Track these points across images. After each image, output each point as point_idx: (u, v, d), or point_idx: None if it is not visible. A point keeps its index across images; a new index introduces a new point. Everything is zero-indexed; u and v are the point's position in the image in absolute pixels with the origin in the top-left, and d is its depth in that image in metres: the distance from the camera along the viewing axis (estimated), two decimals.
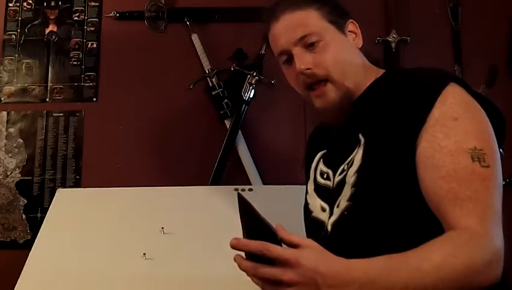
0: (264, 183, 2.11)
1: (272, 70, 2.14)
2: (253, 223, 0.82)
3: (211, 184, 2.06)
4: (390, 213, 0.96)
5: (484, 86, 2.15)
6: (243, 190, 1.75)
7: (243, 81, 2.17)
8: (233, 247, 0.80)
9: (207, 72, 2.20)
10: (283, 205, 1.49)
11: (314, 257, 0.79)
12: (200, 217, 1.64)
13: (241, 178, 2.12)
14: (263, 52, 2.15)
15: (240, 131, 2.15)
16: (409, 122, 0.95)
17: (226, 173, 2.11)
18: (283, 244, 0.82)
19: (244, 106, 2.15)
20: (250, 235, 0.81)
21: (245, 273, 0.83)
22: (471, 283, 0.81)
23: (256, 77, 2.16)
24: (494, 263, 0.83)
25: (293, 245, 0.81)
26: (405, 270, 0.80)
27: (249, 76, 2.17)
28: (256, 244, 0.78)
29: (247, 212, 0.82)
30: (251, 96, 2.16)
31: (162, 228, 1.58)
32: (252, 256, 0.80)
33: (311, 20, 1.08)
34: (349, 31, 1.13)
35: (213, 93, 2.18)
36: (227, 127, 2.15)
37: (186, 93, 2.20)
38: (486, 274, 0.82)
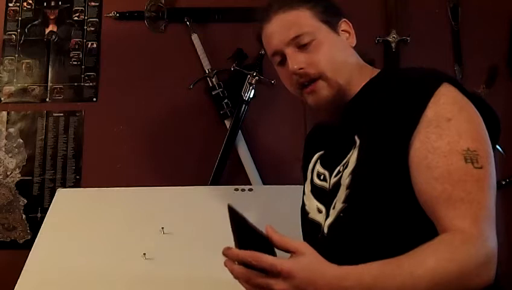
0: (264, 183, 2.11)
1: (272, 70, 2.10)
2: (245, 233, 0.81)
3: (211, 184, 2.06)
4: (385, 215, 0.95)
5: (484, 86, 2.15)
6: (243, 189, 1.75)
7: (243, 81, 2.17)
8: (224, 255, 0.80)
9: (207, 72, 2.20)
10: (283, 205, 1.49)
11: (307, 266, 0.79)
12: (200, 217, 1.64)
13: (241, 178, 2.12)
14: (263, 52, 2.13)
15: (239, 131, 2.15)
16: (402, 123, 0.95)
17: (226, 173, 2.11)
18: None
19: (244, 106, 2.15)
20: (242, 244, 0.81)
21: None
22: (465, 286, 0.82)
23: (256, 77, 2.16)
24: (488, 264, 0.83)
25: (286, 250, 0.81)
26: (399, 276, 0.80)
27: (249, 76, 2.16)
28: (246, 255, 0.78)
29: (238, 222, 0.82)
30: (251, 96, 2.16)
31: (162, 228, 1.57)
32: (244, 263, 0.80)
33: (304, 20, 1.08)
34: (343, 30, 1.13)
35: (213, 93, 2.18)
36: (227, 127, 2.15)
37: (186, 93, 2.20)
38: (480, 276, 0.82)
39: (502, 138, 1.03)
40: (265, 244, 0.81)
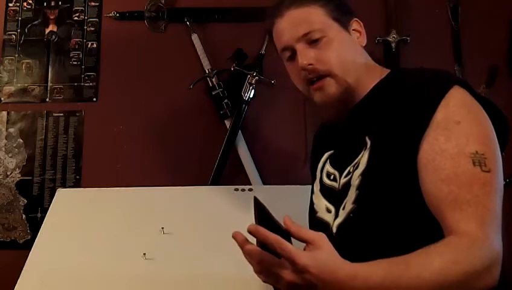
0: (264, 183, 2.11)
1: (272, 70, 2.14)
2: (266, 223, 0.83)
3: (211, 184, 2.06)
4: (395, 217, 0.96)
5: (484, 86, 2.15)
6: (243, 189, 1.75)
7: (243, 81, 2.17)
8: (250, 232, 0.80)
9: (207, 72, 2.20)
10: (283, 205, 1.48)
11: (322, 263, 0.79)
12: (200, 217, 1.64)
13: (241, 178, 2.12)
14: (263, 52, 2.15)
15: (239, 131, 2.14)
16: (412, 126, 0.95)
17: (226, 173, 2.11)
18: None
19: (244, 106, 2.15)
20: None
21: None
22: (469, 288, 0.82)
23: (256, 77, 2.16)
24: (492, 267, 0.84)
25: (303, 240, 0.82)
26: (406, 277, 0.80)
27: (249, 76, 2.16)
28: (273, 238, 0.79)
29: (261, 213, 0.84)
30: (251, 96, 2.16)
31: (162, 228, 1.58)
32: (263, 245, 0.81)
33: (316, 16, 1.08)
34: (354, 30, 1.14)
35: (213, 93, 2.18)
36: (227, 127, 2.15)
37: (186, 93, 2.20)
38: (485, 279, 0.83)
39: None
40: (284, 235, 0.82)
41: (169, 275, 1.46)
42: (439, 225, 0.90)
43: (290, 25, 1.09)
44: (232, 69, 2.19)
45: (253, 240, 0.83)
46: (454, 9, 2.25)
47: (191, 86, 2.20)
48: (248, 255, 0.82)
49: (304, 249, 0.83)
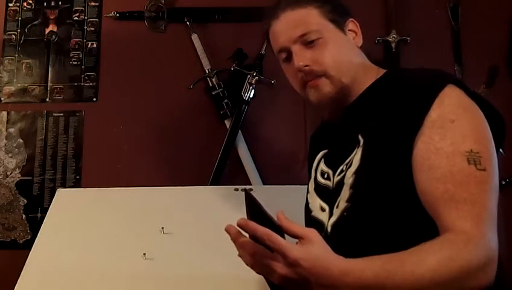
0: (264, 183, 2.11)
1: (272, 70, 2.14)
2: (258, 218, 0.83)
3: (211, 184, 2.06)
4: (389, 215, 0.96)
5: (484, 86, 2.15)
6: (243, 189, 1.75)
7: (243, 81, 2.17)
8: (240, 226, 0.80)
9: (207, 72, 2.20)
10: (283, 205, 1.48)
11: (315, 257, 0.79)
12: (200, 217, 1.64)
13: (241, 178, 2.12)
14: (263, 52, 2.15)
15: (240, 131, 2.15)
16: (406, 124, 0.95)
17: (226, 173, 2.11)
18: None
19: (244, 106, 2.15)
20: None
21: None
22: (465, 286, 0.82)
23: (256, 77, 2.16)
24: (489, 266, 0.83)
25: (295, 236, 0.82)
26: (400, 274, 0.80)
27: (249, 76, 2.16)
28: (263, 231, 0.79)
29: (253, 208, 0.84)
30: (251, 96, 2.16)
31: (162, 228, 1.58)
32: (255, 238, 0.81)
33: (311, 18, 1.09)
34: (349, 30, 1.14)
35: (213, 93, 2.18)
36: (227, 127, 2.15)
37: (186, 93, 2.20)
38: (481, 277, 0.83)
39: None
40: (276, 231, 0.82)
41: (169, 275, 1.46)
42: (434, 222, 0.90)
43: (286, 27, 1.10)
44: (232, 69, 2.19)
45: (247, 235, 0.83)
46: (454, 9, 2.26)
47: (191, 86, 2.20)
48: (241, 247, 0.82)
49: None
